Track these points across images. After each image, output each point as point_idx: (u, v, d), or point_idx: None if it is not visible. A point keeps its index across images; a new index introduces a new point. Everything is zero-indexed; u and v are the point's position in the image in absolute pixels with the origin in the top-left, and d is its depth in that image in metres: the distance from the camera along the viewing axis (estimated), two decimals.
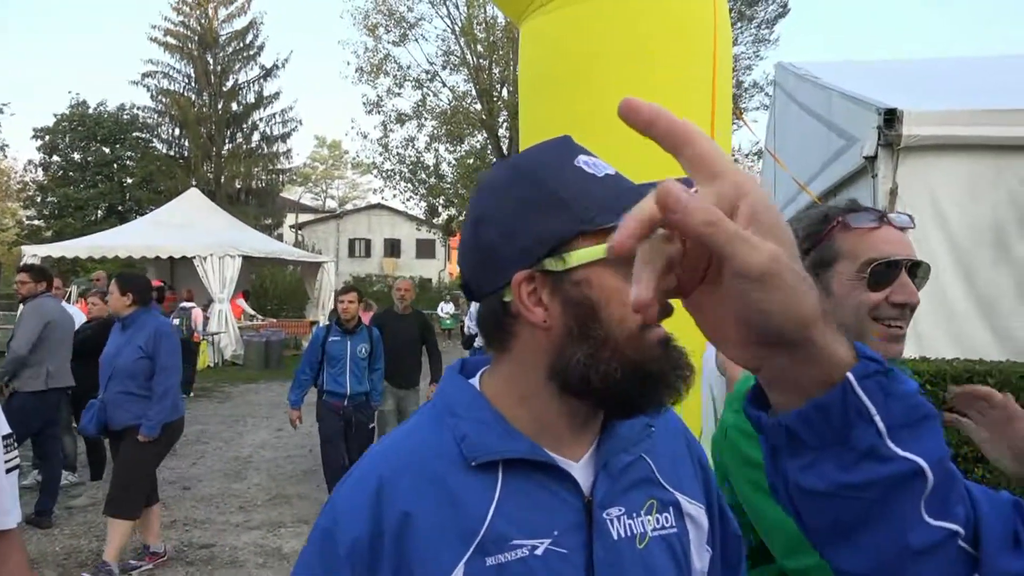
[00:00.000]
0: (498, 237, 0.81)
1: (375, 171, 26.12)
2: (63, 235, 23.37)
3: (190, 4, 30.08)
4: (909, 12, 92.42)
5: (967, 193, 5.16)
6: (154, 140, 30.94)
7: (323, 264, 18.27)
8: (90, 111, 30.10)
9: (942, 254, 5.17)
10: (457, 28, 23.18)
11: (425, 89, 24.10)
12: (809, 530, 0.55)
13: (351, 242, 41.11)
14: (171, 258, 15.66)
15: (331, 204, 51.92)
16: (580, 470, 0.82)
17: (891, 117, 5.07)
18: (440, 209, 25.95)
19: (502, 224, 0.81)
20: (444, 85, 24.30)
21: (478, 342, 8.86)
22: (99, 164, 29.70)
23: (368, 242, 42.28)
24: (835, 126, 6.88)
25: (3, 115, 31.84)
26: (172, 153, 30.54)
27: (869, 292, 1.16)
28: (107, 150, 30.06)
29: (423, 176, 24.85)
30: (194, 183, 25.15)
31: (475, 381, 0.88)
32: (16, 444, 1.48)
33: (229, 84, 30.56)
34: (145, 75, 29.87)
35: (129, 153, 30.39)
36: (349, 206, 47.92)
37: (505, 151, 22.44)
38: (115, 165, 30.21)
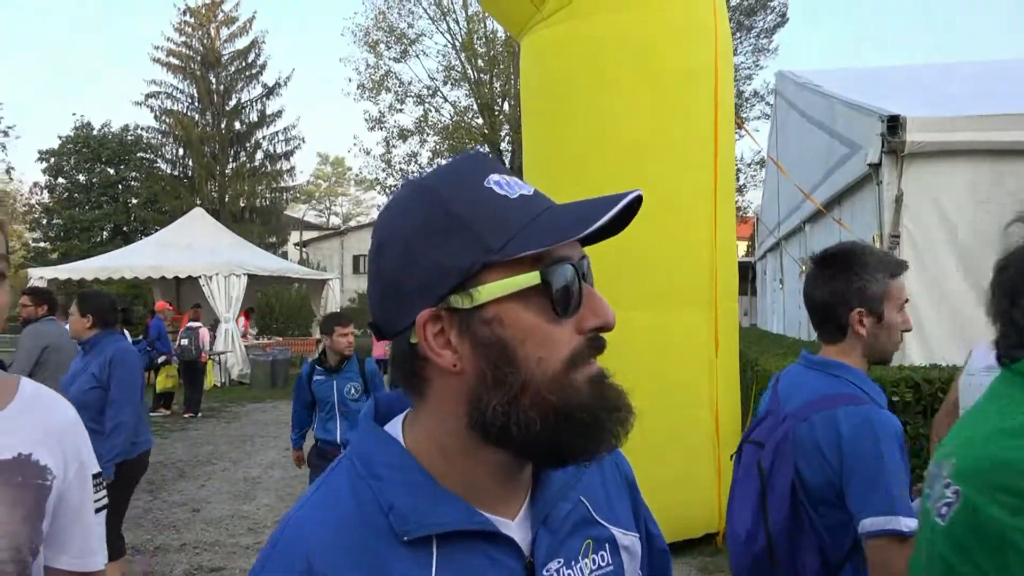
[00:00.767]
0: (399, 269, 0.71)
1: (378, 187, 26.29)
2: (69, 257, 23.49)
3: (192, 24, 30.29)
4: (906, 20, 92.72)
5: (972, 198, 5.14)
6: (158, 160, 31.09)
7: (328, 281, 18.24)
8: (94, 132, 30.31)
9: (950, 260, 5.15)
10: (458, 43, 23.34)
11: (427, 104, 24.30)
12: None
13: (355, 259, 41.09)
14: (176, 278, 15.73)
15: (335, 221, 52.13)
16: (517, 528, 0.76)
17: (894, 124, 5.06)
18: None
19: (402, 253, 0.71)
20: (446, 100, 24.49)
21: None
22: (104, 185, 29.87)
23: None
24: (837, 134, 6.88)
25: (8, 138, 32.00)
26: (176, 173, 30.64)
27: None
28: (112, 171, 30.21)
29: None
30: (198, 202, 25.24)
31: (396, 429, 0.78)
32: (104, 484, 1.35)
33: (232, 103, 30.68)
34: (148, 96, 30.04)
35: (134, 174, 30.55)
36: (353, 223, 48.00)
37: (508, 165, 22.51)
38: (120, 186, 30.35)
